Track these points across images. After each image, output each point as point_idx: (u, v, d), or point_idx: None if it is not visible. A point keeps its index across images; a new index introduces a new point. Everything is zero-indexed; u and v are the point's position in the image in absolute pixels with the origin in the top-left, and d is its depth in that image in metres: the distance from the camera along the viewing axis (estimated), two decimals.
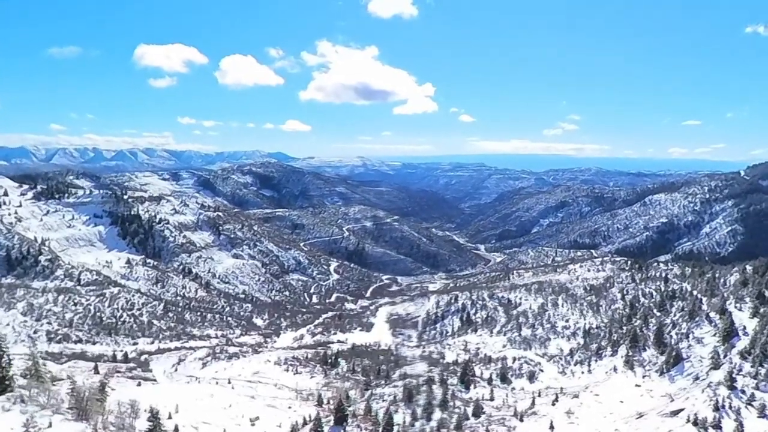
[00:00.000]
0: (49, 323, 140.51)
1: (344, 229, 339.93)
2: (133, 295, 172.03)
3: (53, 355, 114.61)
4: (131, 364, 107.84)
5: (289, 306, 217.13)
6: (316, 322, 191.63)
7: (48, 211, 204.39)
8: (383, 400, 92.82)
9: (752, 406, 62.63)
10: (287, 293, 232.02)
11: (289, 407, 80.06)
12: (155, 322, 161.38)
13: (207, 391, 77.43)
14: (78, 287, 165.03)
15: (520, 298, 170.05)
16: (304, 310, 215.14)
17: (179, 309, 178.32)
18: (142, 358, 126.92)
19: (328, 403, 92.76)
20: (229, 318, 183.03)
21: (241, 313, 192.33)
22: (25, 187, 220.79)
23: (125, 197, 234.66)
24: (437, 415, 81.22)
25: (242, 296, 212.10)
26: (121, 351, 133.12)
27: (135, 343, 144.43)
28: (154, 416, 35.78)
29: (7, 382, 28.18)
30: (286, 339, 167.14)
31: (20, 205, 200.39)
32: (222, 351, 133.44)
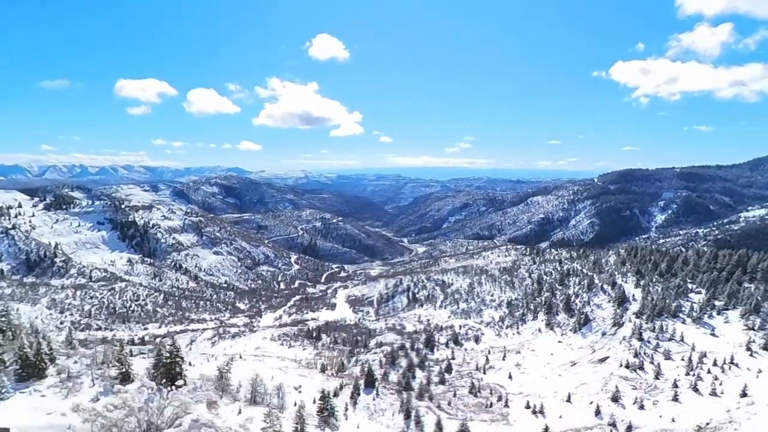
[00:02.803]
0: (71, 314, 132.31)
1: (299, 228, 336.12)
2: (138, 288, 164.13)
3: (82, 342, 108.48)
4: (150, 346, 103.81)
5: (263, 292, 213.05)
6: (289, 304, 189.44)
7: (57, 220, 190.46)
8: (369, 364, 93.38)
9: (658, 351, 69.35)
10: (260, 282, 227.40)
11: (303, 375, 79.57)
12: (159, 309, 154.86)
13: (251, 366, 76.14)
14: (90, 283, 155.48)
15: (452, 279, 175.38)
16: (276, 295, 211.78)
17: (176, 298, 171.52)
18: (157, 340, 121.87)
19: (329, 369, 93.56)
20: (218, 304, 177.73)
21: (226, 300, 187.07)
22: (36, 199, 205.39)
23: (123, 206, 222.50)
24: (419, 373, 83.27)
25: (225, 285, 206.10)
26: (136, 335, 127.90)
27: (146, 328, 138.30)
28: (278, 388, 36.29)
29: (181, 377, 28.07)
30: (268, 319, 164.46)
31: (33, 215, 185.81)
32: (225, 331, 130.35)
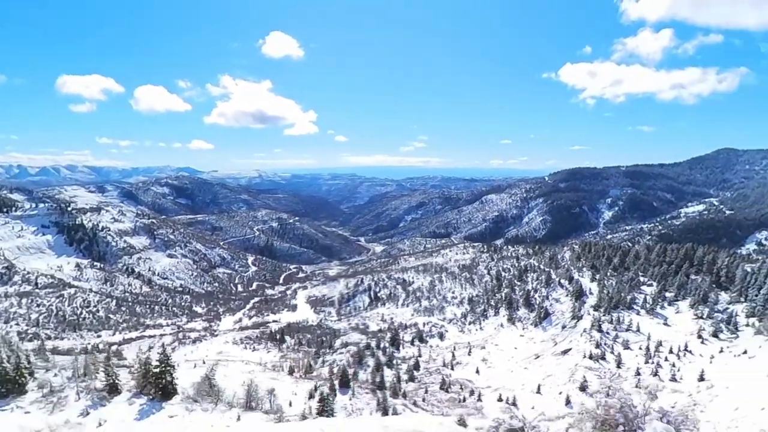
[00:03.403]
0: (17, 324, 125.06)
1: (255, 229, 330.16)
2: (88, 294, 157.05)
3: (54, 351, 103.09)
4: (105, 355, 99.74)
5: (221, 295, 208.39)
6: (248, 306, 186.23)
7: None
8: (337, 365, 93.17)
9: (618, 342, 72.86)
10: (217, 284, 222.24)
11: (274, 379, 78.78)
12: (111, 316, 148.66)
13: (221, 371, 74.38)
14: (37, 290, 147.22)
15: (413, 278, 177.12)
16: (234, 297, 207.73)
17: (130, 303, 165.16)
18: (113, 348, 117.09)
19: (297, 371, 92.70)
20: (174, 308, 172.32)
21: (183, 304, 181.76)
22: None
23: (69, 209, 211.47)
24: (387, 372, 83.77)
25: (180, 289, 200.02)
26: (89, 344, 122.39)
27: (99, 336, 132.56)
28: (270, 392, 35.91)
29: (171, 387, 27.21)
30: (227, 322, 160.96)
31: None
32: (185, 336, 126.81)
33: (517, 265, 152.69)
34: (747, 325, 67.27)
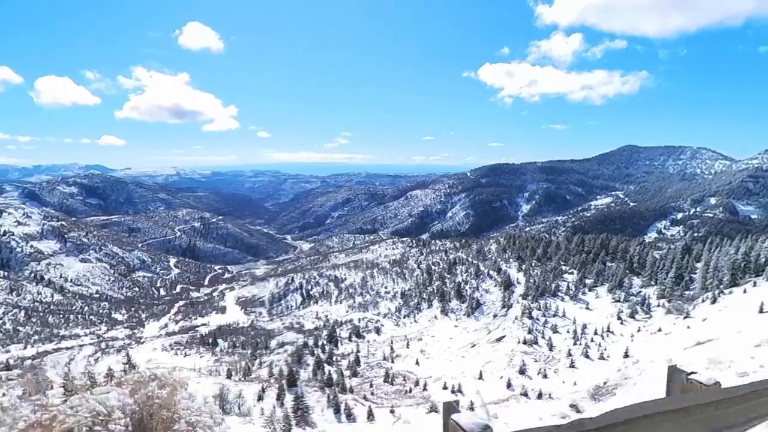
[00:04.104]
0: None
1: (176, 229, 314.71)
2: None
3: None
4: (18, 371, 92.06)
5: (142, 300, 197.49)
6: (173, 310, 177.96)
7: None
8: (276, 365, 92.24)
9: (547, 327, 78.06)
10: (137, 289, 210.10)
11: (217, 384, 76.73)
12: (20, 328, 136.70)
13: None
14: None
15: (345, 275, 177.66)
16: (157, 302, 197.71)
17: (41, 314, 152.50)
18: (26, 363, 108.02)
19: (235, 374, 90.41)
20: (92, 316, 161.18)
21: (100, 311, 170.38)
22: None
23: None
24: (329, 369, 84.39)
25: (97, 296, 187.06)
26: None
27: (8, 351, 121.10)
28: (238, 396, 35.30)
29: None
30: (152, 328, 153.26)
31: None
32: (108, 346, 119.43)
33: (446, 258, 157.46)
34: (658, 305, 74.79)
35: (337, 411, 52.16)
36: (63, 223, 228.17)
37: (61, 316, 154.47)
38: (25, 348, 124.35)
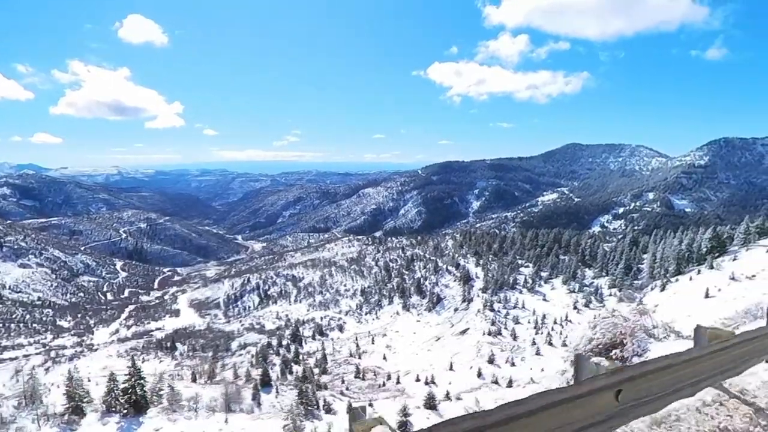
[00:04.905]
0: None
1: (121, 231, 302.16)
2: None
3: None
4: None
5: (88, 305, 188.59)
6: (123, 315, 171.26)
7: None
8: (240, 367, 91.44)
9: (509, 318, 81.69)
10: (82, 294, 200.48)
11: (188, 387, 75.55)
12: None
13: None
14: None
15: (302, 274, 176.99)
16: (105, 307, 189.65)
17: None
18: None
19: (200, 377, 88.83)
20: (35, 325, 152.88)
21: (44, 319, 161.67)
22: None
23: None
24: (296, 368, 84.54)
25: (39, 303, 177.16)
26: None
27: None
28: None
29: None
30: (102, 335, 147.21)
31: None
32: (58, 354, 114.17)
33: (403, 255, 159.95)
34: (610, 295, 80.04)
35: (316, 407, 53.09)
36: None
37: (1, 325, 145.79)
38: None
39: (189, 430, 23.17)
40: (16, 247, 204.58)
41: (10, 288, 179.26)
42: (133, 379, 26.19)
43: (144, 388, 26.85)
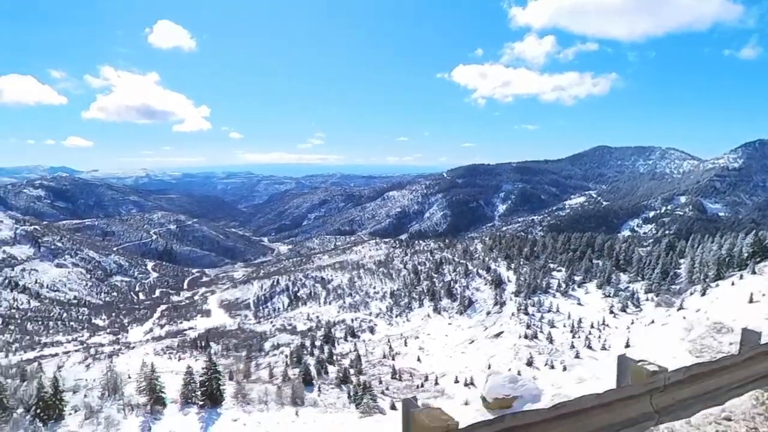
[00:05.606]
0: None
1: (151, 232, 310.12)
2: None
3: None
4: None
5: (122, 305, 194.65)
6: (156, 315, 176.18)
7: None
8: (274, 367, 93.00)
9: (544, 322, 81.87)
10: (115, 294, 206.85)
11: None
12: None
13: None
14: None
15: (331, 276, 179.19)
16: (137, 306, 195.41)
17: (19, 321, 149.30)
18: (12, 371, 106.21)
19: (236, 375, 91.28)
20: (72, 323, 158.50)
21: (80, 317, 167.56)
22: None
23: None
24: (331, 368, 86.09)
25: (75, 301, 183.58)
26: None
27: None
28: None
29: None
30: (136, 333, 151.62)
31: None
32: (98, 352, 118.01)
33: (431, 258, 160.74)
34: (647, 299, 79.64)
35: (358, 405, 54.55)
36: (36, 227, 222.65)
37: (40, 323, 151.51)
38: (6, 356, 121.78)
39: (265, 421, 24.71)
40: (53, 247, 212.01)
41: (47, 287, 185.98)
42: (209, 374, 27.93)
43: (219, 382, 28.57)
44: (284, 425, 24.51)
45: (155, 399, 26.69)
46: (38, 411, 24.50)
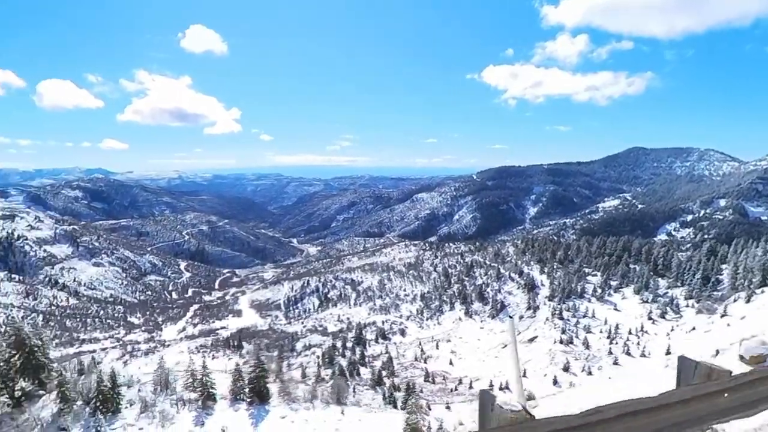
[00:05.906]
0: None
1: (184, 233, 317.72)
2: (10, 310, 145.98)
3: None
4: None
5: (155, 303, 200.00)
6: (189, 314, 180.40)
7: None
8: (306, 367, 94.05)
9: (579, 327, 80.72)
10: (149, 293, 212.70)
11: None
12: (40, 332, 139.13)
13: None
14: None
15: (361, 278, 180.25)
16: (171, 305, 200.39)
17: (58, 318, 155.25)
18: (55, 365, 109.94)
19: (270, 375, 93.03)
20: (108, 320, 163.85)
21: (116, 315, 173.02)
22: None
23: None
24: (363, 370, 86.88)
25: (111, 299, 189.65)
26: None
27: None
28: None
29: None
30: (170, 332, 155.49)
31: None
32: (135, 349, 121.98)
33: (462, 261, 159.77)
34: (687, 306, 77.75)
35: (395, 406, 54.97)
36: (74, 227, 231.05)
37: (79, 320, 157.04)
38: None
39: (312, 419, 25.46)
40: (90, 246, 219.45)
41: (85, 285, 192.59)
42: (257, 371, 28.90)
43: (266, 380, 29.52)
44: (331, 423, 25.17)
45: (207, 395, 27.72)
46: (97, 404, 25.75)
